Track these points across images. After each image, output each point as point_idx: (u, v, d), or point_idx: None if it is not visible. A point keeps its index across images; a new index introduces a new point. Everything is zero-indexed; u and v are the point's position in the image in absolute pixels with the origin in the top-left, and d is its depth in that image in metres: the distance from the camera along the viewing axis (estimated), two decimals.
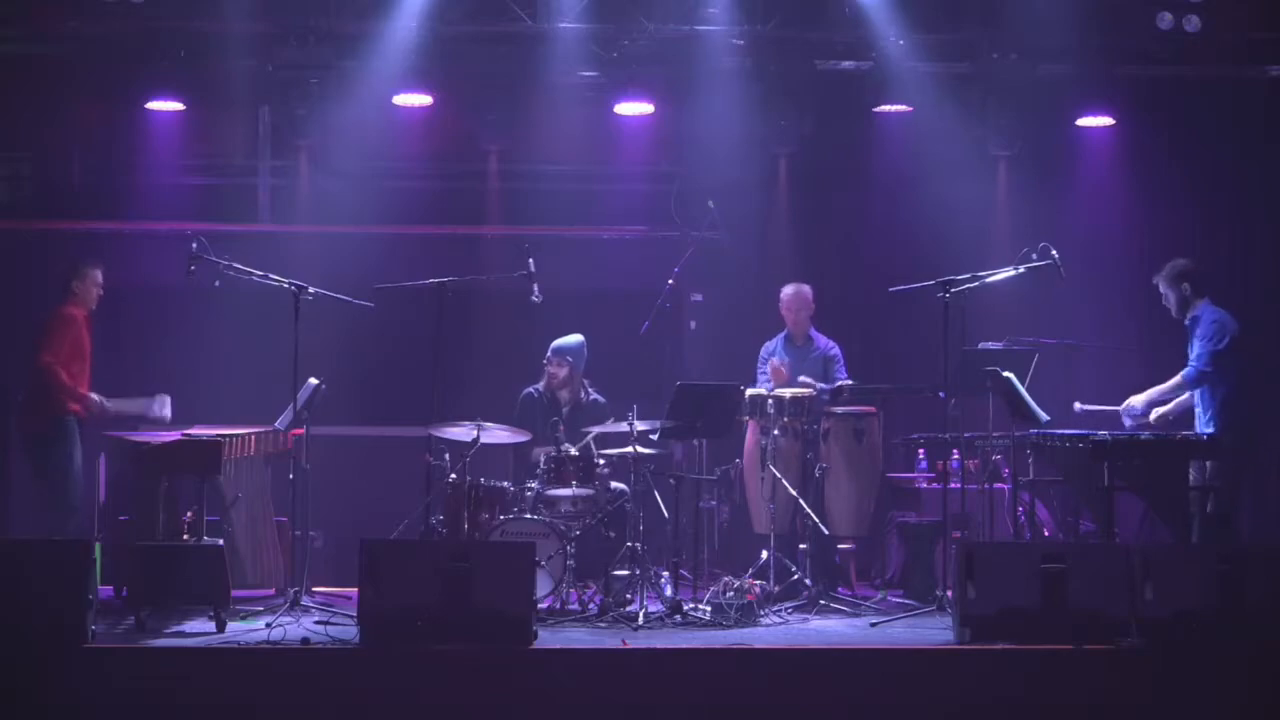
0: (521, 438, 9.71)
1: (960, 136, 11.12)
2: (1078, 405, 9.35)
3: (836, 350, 10.26)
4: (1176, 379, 9.21)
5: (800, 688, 7.55)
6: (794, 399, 9.61)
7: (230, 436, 9.18)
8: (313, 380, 9.21)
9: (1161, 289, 9.41)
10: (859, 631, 8.60)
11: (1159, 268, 9.47)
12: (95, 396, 9.32)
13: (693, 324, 11.59)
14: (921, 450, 10.36)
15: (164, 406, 9.45)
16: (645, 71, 10.91)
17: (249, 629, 8.26)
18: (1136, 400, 9.31)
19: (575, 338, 10.23)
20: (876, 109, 11.21)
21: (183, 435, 9.11)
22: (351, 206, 11.20)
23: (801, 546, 9.43)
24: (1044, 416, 9.04)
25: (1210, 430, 9.06)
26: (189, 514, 8.76)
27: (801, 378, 9.94)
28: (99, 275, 9.48)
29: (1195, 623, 7.71)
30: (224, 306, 9.97)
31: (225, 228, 10.80)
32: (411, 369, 10.10)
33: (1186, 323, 9.34)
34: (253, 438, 9.46)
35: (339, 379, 9.68)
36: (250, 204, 11.68)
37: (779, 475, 9.36)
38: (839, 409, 9.80)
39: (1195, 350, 9.22)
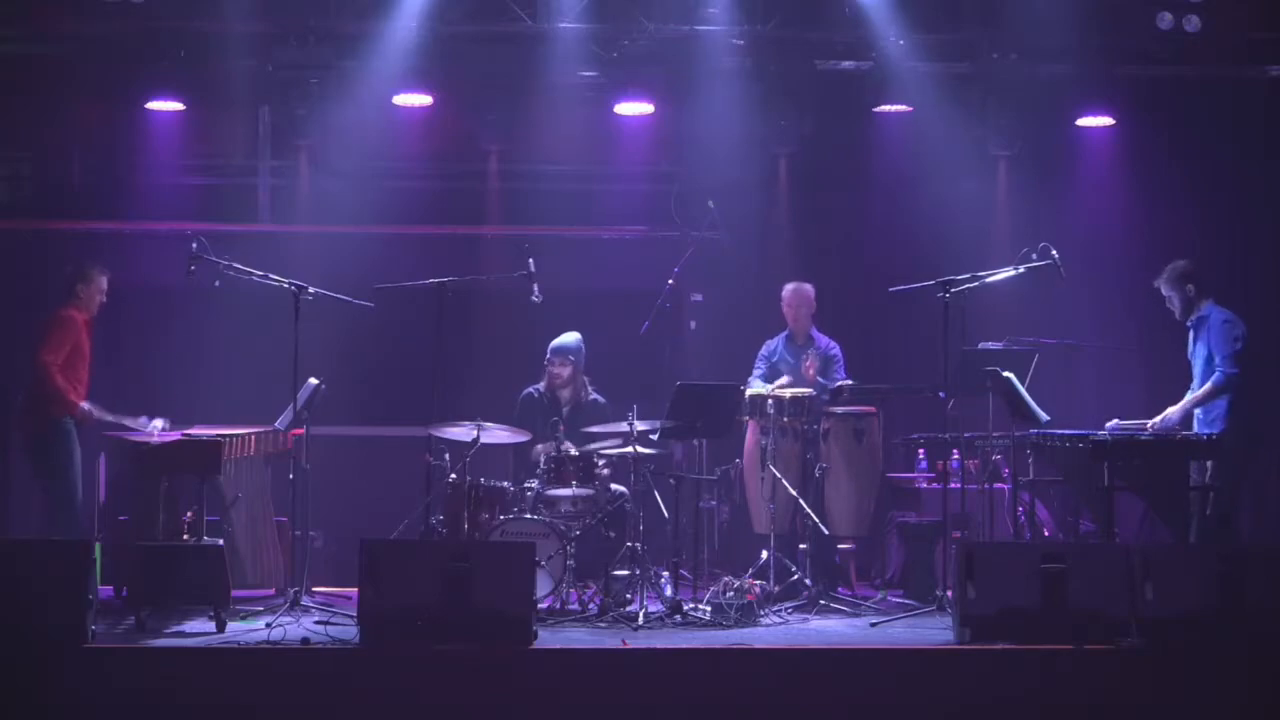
0: (521, 438, 9.71)
1: (960, 136, 11.13)
2: (1115, 422, 9.28)
3: (837, 350, 10.24)
4: (1208, 386, 9.07)
5: (800, 688, 7.55)
6: (794, 399, 9.61)
7: (230, 436, 9.18)
8: (313, 380, 9.21)
9: (1164, 291, 9.37)
10: (859, 631, 8.60)
11: (1159, 268, 9.44)
12: (86, 406, 9.26)
13: (693, 324, 11.59)
14: (921, 450, 10.36)
15: (156, 427, 9.31)
16: (645, 71, 10.91)
17: (249, 629, 8.26)
18: (1172, 411, 9.23)
19: (574, 336, 10.23)
20: (876, 109, 11.21)
21: (183, 435, 9.11)
22: (351, 206, 11.20)
23: (801, 546, 9.43)
24: (1044, 416, 9.03)
25: (1215, 430, 9.03)
26: (189, 514, 8.77)
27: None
28: (104, 282, 9.47)
29: (1195, 623, 7.71)
30: (224, 306, 9.96)
31: (225, 228, 10.80)
32: (411, 369, 10.08)
33: (1190, 323, 9.32)
34: (253, 438, 9.46)
35: (339, 379, 9.68)
36: (250, 204, 11.68)
37: (779, 475, 9.36)
38: (839, 409, 9.80)
39: (1210, 354, 9.11)
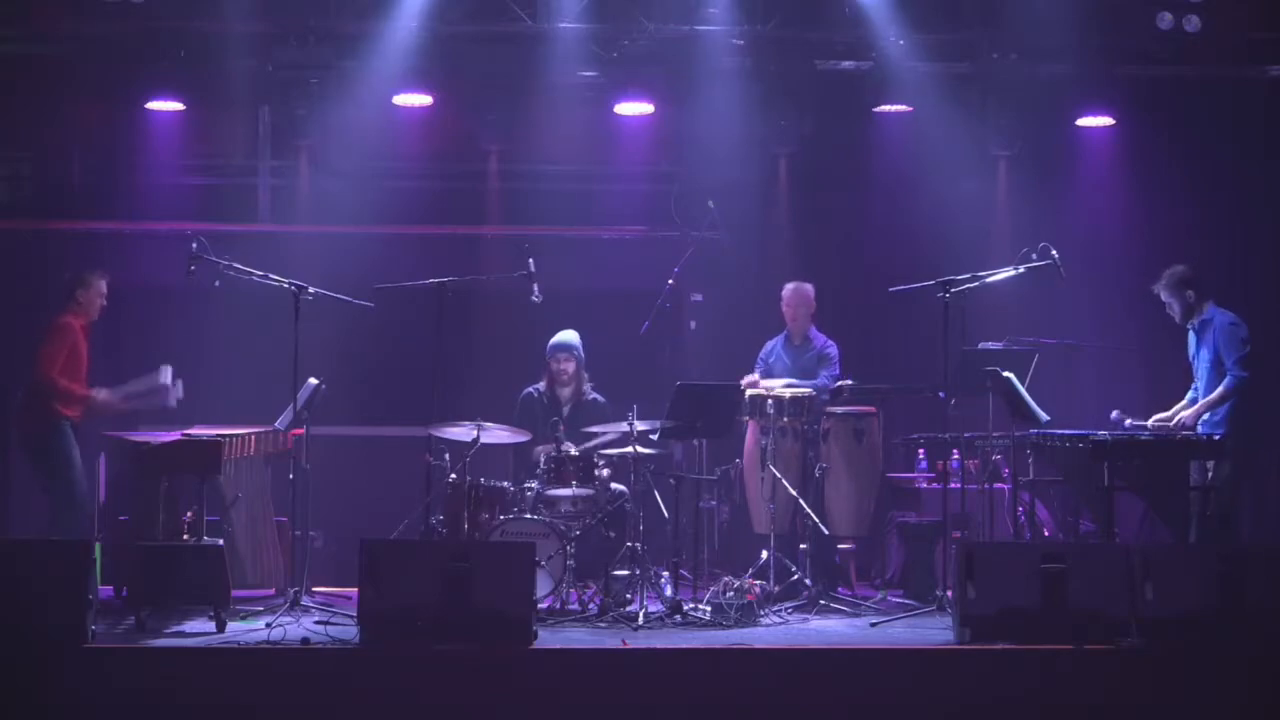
0: (521, 438, 9.71)
1: (960, 136, 11.12)
2: (1128, 421, 9.27)
3: (831, 350, 10.19)
4: (1221, 390, 9.05)
5: (800, 688, 7.55)
6: (794, 399, 9.61)
7: (230, 436, 9.18)
8: (313, 380, 9.21)
9: (1164, 298, 9.35)
10: (859, 631, 8.60)
11: (1159, 269, 9.44)
12: (95, 392, 9.29)
13: (693, 324, 11.58)
14: (921, 450, 10.36)
15: (166, 375, 9.39)
16: (645, 71, 10.91)
17: (249, 629, 8.26)
18: (1187, 415, 9.21)
19: (573, 332, 10.24)
20: (876, 109, 11.21)
21: (183, 435, 9.12)
22: (351, 206, 11.20)
23: (801, 546, 9.43)
24: (1044, 416, 9.03)
25: (1218, 431, 9.01)
26: (189, 514, 8.76)
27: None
28: (104, 286, 9.48)
29: (1195, 623, 7.71)
30: (224, 306, 9.96)
31: (225, 228, 10.80)
32: (411, 369, 10.08)
33: (1192, 326, 9.30)
34: (253, 438, 9.46)
35: (339, 379, 9.68)
36: (250, 204, 11.68)
37: (779, 475, 9.36)
38: (839, 409, 9.80)
39: (1216, 357, 9.08)
